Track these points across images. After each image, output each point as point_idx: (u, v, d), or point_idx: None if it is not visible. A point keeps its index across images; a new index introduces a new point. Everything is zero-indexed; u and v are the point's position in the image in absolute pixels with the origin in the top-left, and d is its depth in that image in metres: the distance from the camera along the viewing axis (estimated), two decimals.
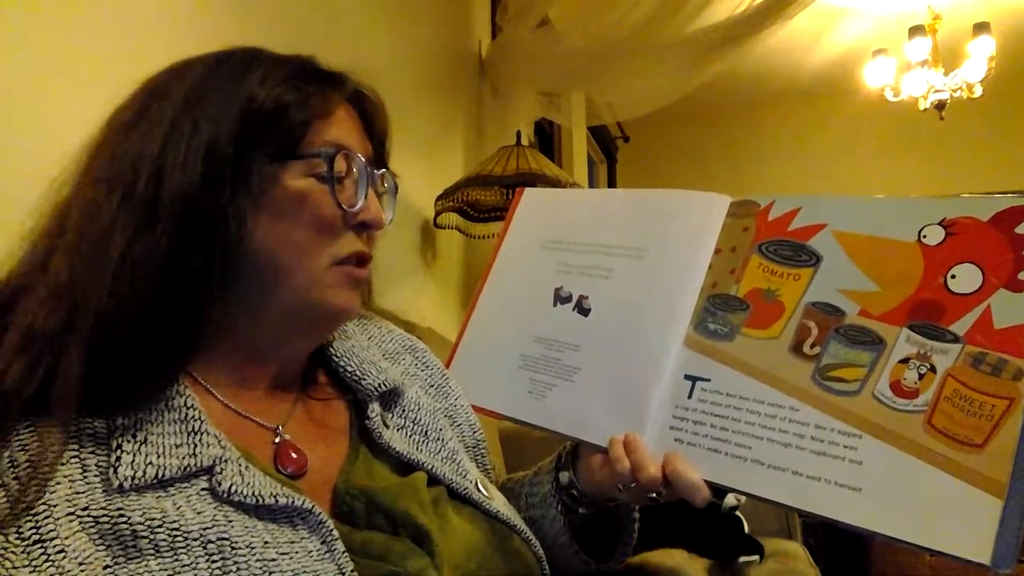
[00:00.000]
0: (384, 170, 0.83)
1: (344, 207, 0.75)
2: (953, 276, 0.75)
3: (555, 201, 1.10)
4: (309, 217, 0.74)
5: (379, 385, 0.83)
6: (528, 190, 1.11)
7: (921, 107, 4.46)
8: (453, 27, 3.03)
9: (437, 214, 2.60)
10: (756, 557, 1.88)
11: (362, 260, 0.79)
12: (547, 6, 3.06)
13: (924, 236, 0.79)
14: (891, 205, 0.83)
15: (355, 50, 2.19)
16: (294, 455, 0.75)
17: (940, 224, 0.78)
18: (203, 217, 0.68)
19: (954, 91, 4.35)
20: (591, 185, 4.93)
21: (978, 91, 4.29)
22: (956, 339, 0.73)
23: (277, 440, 0.76)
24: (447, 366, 1.03)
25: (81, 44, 1.25)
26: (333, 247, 0.76)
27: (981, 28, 4.15)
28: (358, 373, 0.84)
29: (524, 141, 2.80)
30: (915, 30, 4.25)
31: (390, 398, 0.86)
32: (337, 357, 0.85)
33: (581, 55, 3.09)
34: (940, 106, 4.39)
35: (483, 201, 2.56)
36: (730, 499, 1.83)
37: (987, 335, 0.72)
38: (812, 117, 5.75)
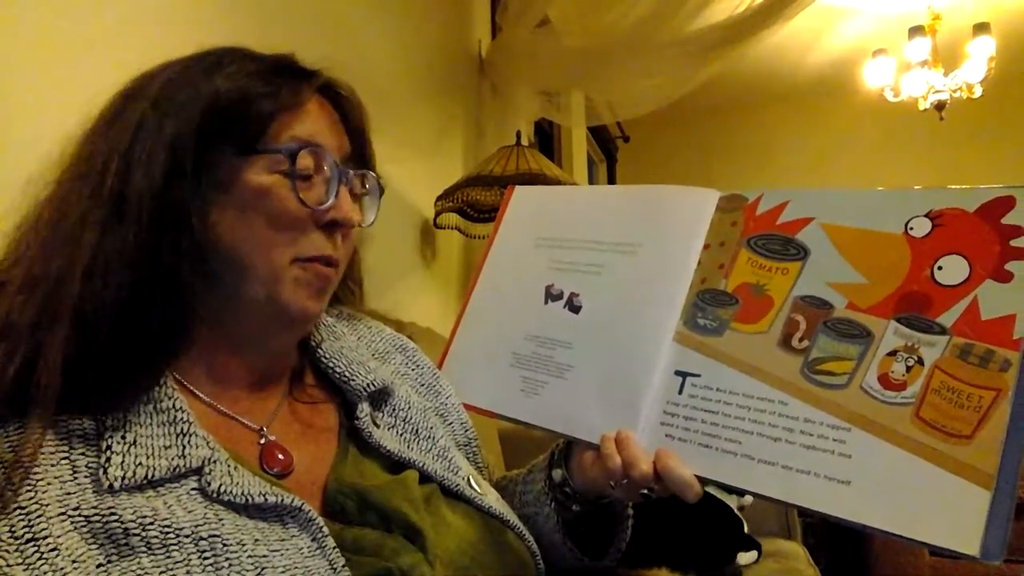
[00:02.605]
0: (365, 171, 0.82)
1: (310, 205, 0.74)
2: (940, 268, 0.75)
3: (545, 198, 1.10)
4: (271, 213, 0.73)
5: (368, 385, 0.83)
6: (519, 188, 1.11)
7: (921, 107, 4.47)
8: (453, 27, 3.04)
9: (437, 214, 2.61)
10: (755, 553, 1.89)
11: (328, 264, 0.77)
12: (547, 6, 3.06)
13: (911, 228, 0.78)
14: (878, 197, 0.83)
15: (355, 50, 2.20)
16: (280, 456, 0.76)
17: (927, 216, 0.78)
18: (169, 210, 0.68)
19: (954, 91, 4.36)
20: (591, 185, 4.93)
21: (978, 91, 4.30)
22: (943, 331, 0.73)
23: (262, 441, 0.77)
24: (440, 365, 1.03)
25: (79, 39, 1.26)
26: (296, 245, 0.75)
27: (981, 28, 4.16)
28: (347, 374, 0.84)
29: (524, 141, 2.80)
30: (915, 30, 4.26)
31: (380, 397, 0.86)
32: (326, 358, 0.85)
33: (581, 55, 3.10)
34: (940, 106, 4.39)
35: (483, 201, 2.56)
36: (748, 498, 1.85)
37: (974, 326, 0.72)
38: (812, 117, 5.76)
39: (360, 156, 0.83)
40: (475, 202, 2.58)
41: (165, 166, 0.69)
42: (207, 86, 0.72)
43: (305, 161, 0.75)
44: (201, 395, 0.75)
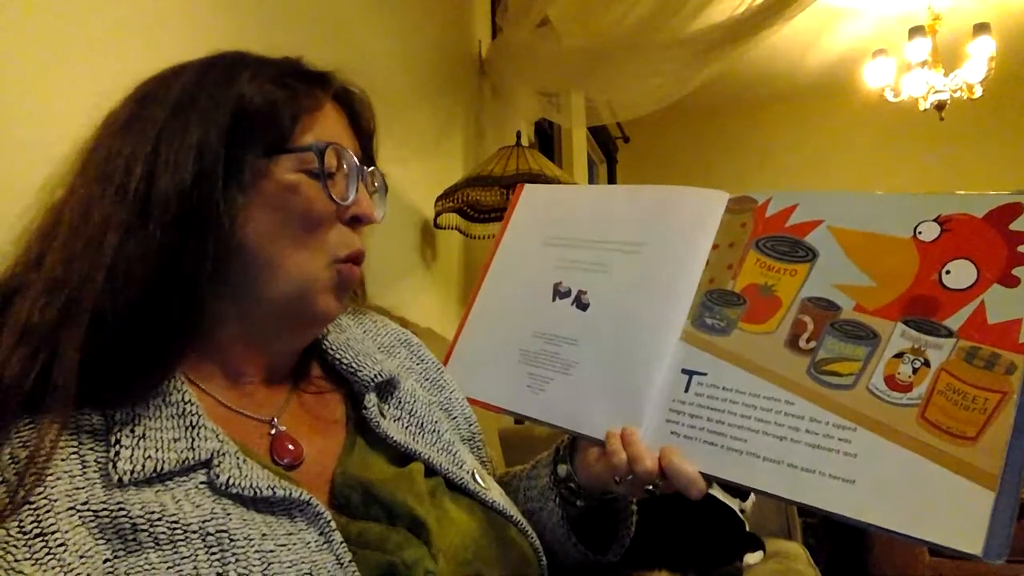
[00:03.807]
0: (373, 168, 0.84)
1: (337, 200, 0.76)
2: (948, 272, 0.76)
3: (554, 197, 1.10)
4: (301, 210, 0.75)
5: (375, 376, 0.84)
6: (528, 186, 1.12)
7: (921, 107, 4.47)
8: (453, 27, 3.04)
9: (437, 214, 2.61)
10: (760, 553, 1.89)
11: (358, 259, 0.80)
12: (547, 6, 3.06)
13: (919, 232, 0.79)
14: (887, 201, 0.84)
15: (355, 50, 2.20)
16: (290, 446, 0.76)
17: (935, 220, 0.79)
18: (196, 213, 0.69)
19: (954, 92, 4.36)
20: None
21: (978, 92, 4.30)
22: (950, 334, 0.74)
23: (272, 432, 0.77)
24: (445, 361, 1.04)
25: (80, 37, 1.26)
26: (329, 244, 0.77)
27: (981, 28, 4.16)
28: (354, 365, 0.85)
29: (524, 141, 2.80)
30: (915, 30, 4.26)
31: (386, 389, 0.87)
32: (332, 350, 0.86)
33: (581, 55, 3.10)
34: (940, 106, 4.39)
35: (483, 201, 2.56)
36: (750, 502, 1.87)
37: (981, 330, 0.72)
38: (812, 117, 5.76)
39: (368, 155, 0.86)
40: (475, 202, 2.58)
41: (193, 169, 0.70)
42: (229, 91, 0.74)
43: (330, 159, 0.76)
44: (209, 390, 0.76)
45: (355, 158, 0.79)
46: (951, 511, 0.68)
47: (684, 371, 0.86)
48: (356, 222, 0.80)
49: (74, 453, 0.64)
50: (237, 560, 0.61)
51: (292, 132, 0.75)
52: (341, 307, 0.81)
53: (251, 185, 0.73)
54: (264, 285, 0.75)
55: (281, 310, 0.76)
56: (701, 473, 0.81)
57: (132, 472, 0.63)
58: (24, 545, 0.58)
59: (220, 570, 0.61)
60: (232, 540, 0.62)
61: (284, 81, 0.77)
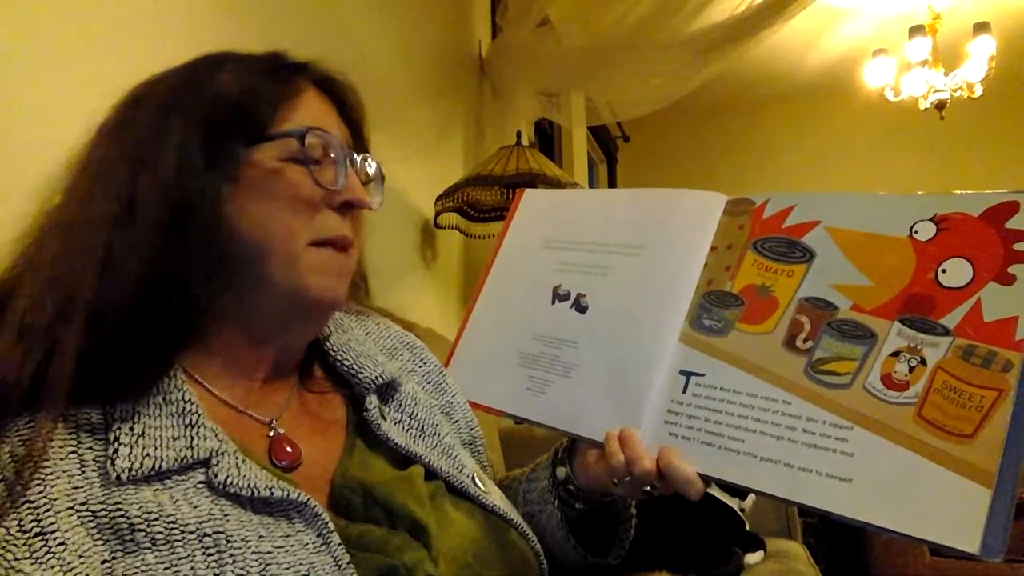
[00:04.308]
0: (365, 155, 0.83)
1: (324, 185, 0.75)
2: (944, 270, 0.76)
3: (554, 201, 1.11)
4: (287, 196, 0.74)
5: (376, 378, 0.84)
6: (528, 191, 1.12)
7: (921, 107, 4.47)
8: (453, 27, 3.04)
9: (437, 214, 2.61)
10: (761, 553, 1.90)
11: (343, 244, 0.78)
12: (547, 6, 3.06)
13: (916, 232, 0.80)
14: (884, 201, 0.84)
15: (355, 50, 2.20)
16: (288, 448, 0.76)
17: (931, 220, 0.79)
18: (181, 209, 0.69)
19: (954, 91, 4.36)
20: (591, 185, 4.94)
21: (978, 91, 4.30)
22: (946, 332, 0.74)
23: (271, 434, 0.77)
24: (446, 364, 1.04)
25: (80, 37, 1.26)
26: (311, 227, 0.75)
27: (981, 28, 4.16)
28: (355, 367, 0.84)
29: (524, 141, 2.80)
30: (915, 30, 4.26)
31: (387, 392, 0.87)
32: (334, 351, 0.86)
33: (581, 55, 3.10)
34: (940, 106, 4.39)
35: (483, 201, 2.56)
36: (749, 501, 1.87)
37: (977, 328, 0.73)
38: (812, 117, 5.76)
39: (360, 142, 0.85)
40: (475, 202, 2.58)
41: (176, 165, 0.70)
42: (210, 85, 0.74)
43: (314, 144, 0.76)
44: (211, 388, 0.76)
45: (340, 143, 0.78)
46: (948, 509, 0.68)
47: (682, 372, 0.86)
48: (348, 208, 0.78)
49: (73, 452, 0.64)
50: (235, 561, 0.61)
51: (272, 120, 0.75)
52: (343, 290, 0.80)
53: (236, 175, 0.73)
54: (259, 275, 0.74)
55: (280, 299, 0.76)
56: (699, 473, 0.81)
57: (130, 470, 0.63)
58: (24, 544, 0.58)
59: (217, 571, 0.61)
60: (229, 541, 0.62)
61: (264, 71, 0.77)
